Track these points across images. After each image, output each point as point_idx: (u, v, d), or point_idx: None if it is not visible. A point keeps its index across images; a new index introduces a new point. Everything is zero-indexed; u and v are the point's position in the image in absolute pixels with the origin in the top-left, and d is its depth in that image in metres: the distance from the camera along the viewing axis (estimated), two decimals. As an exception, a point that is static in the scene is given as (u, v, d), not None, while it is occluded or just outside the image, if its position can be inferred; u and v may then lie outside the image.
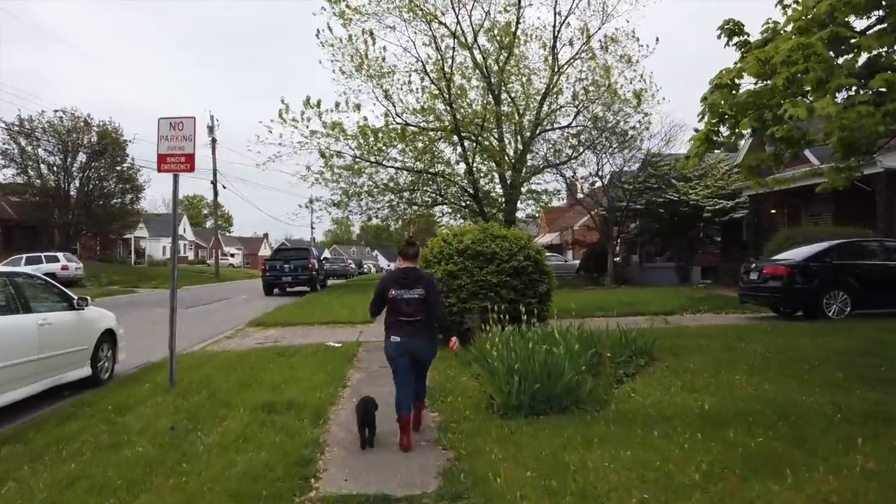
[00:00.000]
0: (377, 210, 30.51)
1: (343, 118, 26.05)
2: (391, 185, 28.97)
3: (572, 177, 26.92)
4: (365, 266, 78.06)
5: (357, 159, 27.13)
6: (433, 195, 30.15)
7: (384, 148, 27.27)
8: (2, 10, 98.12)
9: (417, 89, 27.61)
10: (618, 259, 29.97)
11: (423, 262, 10.81)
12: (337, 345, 10.52)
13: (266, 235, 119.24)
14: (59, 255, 30.74)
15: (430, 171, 28.64)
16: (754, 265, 12.96)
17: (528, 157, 29.22)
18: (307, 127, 26.27)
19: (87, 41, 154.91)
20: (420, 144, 27.52)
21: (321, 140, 26.46)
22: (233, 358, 9.42)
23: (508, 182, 28.67)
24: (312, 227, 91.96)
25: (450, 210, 31.27)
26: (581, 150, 27.60)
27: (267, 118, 28.77)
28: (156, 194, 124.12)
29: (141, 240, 68.96)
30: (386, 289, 5.41)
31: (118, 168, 46.64)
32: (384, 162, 27.86)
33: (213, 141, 42.95)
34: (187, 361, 9.32)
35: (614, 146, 24.49)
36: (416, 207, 30.92)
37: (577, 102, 27.80)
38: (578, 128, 27.24)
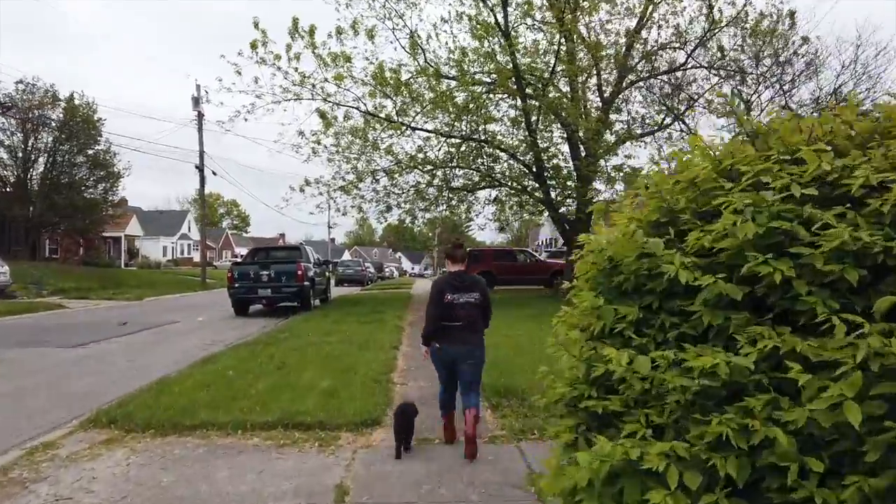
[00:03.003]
0: (399, 196, 22.02)
1: (350, 51, 17.65)
2: (420, 156, 20.45)
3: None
4: (387, 269, 69.56)
5: (369, 116, 18.67)
6: (478, 172, 21.55)
7: (409, 101, 18.77)
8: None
9: (453, 32, 19.39)
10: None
11: (588, 284, 2.26)
12: None
13: (282, 236, 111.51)
14: (-27, 255, 22.70)
15: (475, 137, 20.06)
16: None
17: (612, 117, 20.58)
18: (296, 69, 17.92)
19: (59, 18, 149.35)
20: (461, 100, 18.93)
21: (317, 88, 18.10)
22: None
23: (583, 153, 20.03)
24: (330, 227, 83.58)
25: (501, 193, 22.59)
26: (692, 102, 18.78)
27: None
28: (168, 191, 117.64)
29: (135, 239, 61.48)
30: (443, 293, 4.97)
31: (90, 151, 38.87)
32: (411, 123, 19.37)
33: (200, 116, 34.84)
34: None
35: (769, 81, 15.55)
36: (450, 192, 22.28)
37: (682, 40, 19.11)
38: (694, 67, 18.48)
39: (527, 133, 18.97)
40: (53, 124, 37.46)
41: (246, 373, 8.12)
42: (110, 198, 40.17)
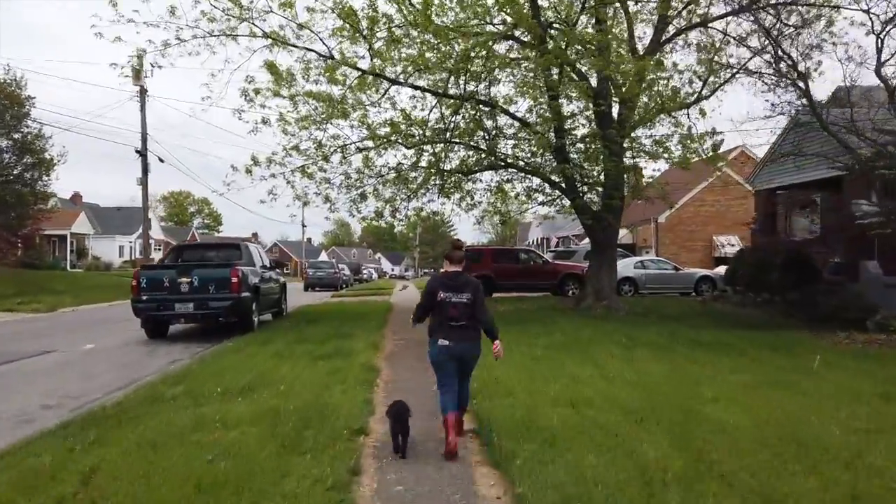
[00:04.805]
0: (377, 179, 16.99)
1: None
2: (403, 126, 15.47)
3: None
4: (365, 271, 64.31)
5: (336, 64, 13.62)
6: (477, 149, 16.65)
7: (391, 45, 13.81)
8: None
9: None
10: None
11: None
12: None
13: (255, 235, 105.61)
14: None
15: (478, 97, 15.13)
16: None
17: (653, 74, 15.70)
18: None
19: None
20: (460, 47, 13.95)
21: (261, 20, 13.03)
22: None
23: (616, 122, 15.29)
24: (304, 226, 78.49)
25: (511, 176, 17.68)
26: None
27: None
28: (136, 189, 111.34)
29: (85, 238, 55.61)
30: (435, 291, 5.18)
31: (15, 136, 33.23)
32: (393, 77, 14.37)
33: (142, 91, 29.54)
34: None
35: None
36: (441, 176, 17.20)
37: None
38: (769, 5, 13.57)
39: (547, 90, 14.05)
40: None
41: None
42: (40, 189, 34.53)
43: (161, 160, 31.61)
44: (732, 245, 30.20)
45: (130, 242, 67.21)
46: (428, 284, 5.46)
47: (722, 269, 24.85)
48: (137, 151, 29.47)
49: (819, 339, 11.11)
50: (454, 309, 5.07)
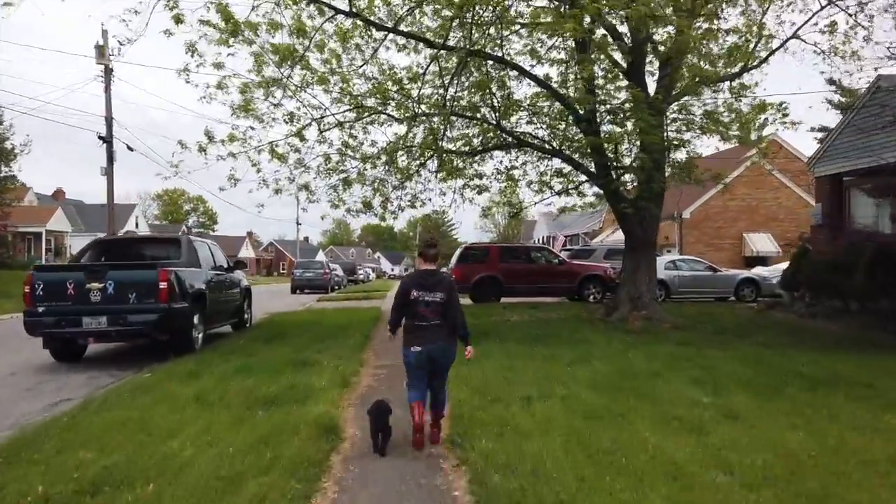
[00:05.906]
0: (360, 163, 13.83)
1: None
2: (390, 87, 12.33)
3: None
4: (361, 271, 61.02)
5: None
6: (485, 122, 13.52)
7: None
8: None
9: None
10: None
11: None
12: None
13: (249, 234, 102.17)
14: None
15: (485, 52, 11.94)
16: None
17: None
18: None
19: None
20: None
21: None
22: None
23: (657, 91, 12.26)
24: (298, 224, 74.62)
25: (516, 157, 14.57)
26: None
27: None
28: (129, 186, 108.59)
29: (64, 236, 52.58)
30: (408, 290, 5.07)
31: (-31, 122, 30.24)
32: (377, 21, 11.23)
33: (107, 70, 26.37)
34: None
35: None
36: (440, 157, 13.97)
37: None
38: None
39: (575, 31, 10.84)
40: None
41: None
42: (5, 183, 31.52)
43: (130, 148, 28.41)
44: (771, 243, 27.04)
45: (115, 241, 64.17)
46: (401, 283, 5.33)
47: (761, 270, 21.78)
48: (100, 137, 26.29)
49: None
50: (426, 308, 4.99)
